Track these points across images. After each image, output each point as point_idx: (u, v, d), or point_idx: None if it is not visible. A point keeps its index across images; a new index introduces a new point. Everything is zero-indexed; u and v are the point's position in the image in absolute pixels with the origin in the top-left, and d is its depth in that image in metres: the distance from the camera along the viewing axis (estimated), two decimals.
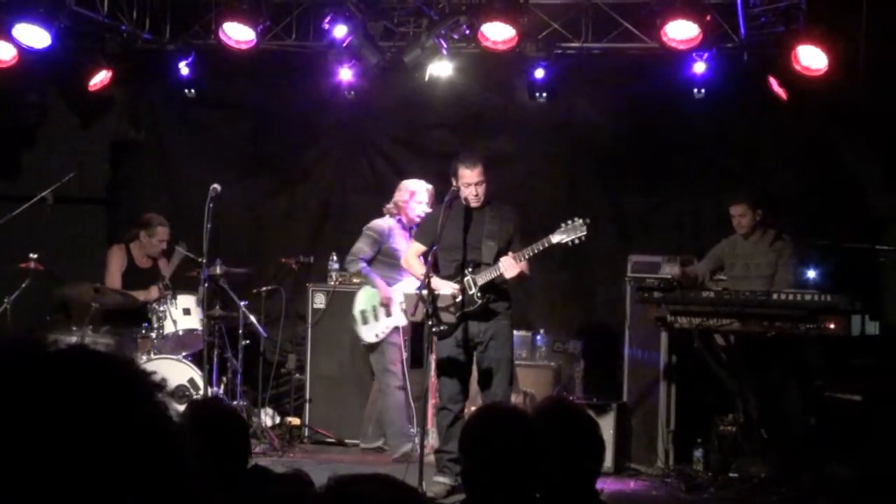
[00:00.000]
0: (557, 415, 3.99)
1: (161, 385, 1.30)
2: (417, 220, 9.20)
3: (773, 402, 8.50)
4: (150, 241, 9.84)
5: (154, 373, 1.32)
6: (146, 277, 9.77)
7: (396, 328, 9.38)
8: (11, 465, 1.11)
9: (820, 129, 9.87)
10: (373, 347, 9.48)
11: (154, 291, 9.49)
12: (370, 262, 9.41)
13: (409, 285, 9.06)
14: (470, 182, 7.86)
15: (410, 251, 8.42)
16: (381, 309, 9.38)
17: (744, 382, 8.53)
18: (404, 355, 9.57)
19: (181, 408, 4.15)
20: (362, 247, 9.40)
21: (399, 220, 9.41)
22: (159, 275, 9.73)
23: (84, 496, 1.12)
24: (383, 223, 9.44)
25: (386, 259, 9.38)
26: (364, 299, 9.53)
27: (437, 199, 8.89)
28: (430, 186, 9.34)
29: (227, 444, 3.89)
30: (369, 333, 9.45)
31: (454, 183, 7.91)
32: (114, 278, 9.71)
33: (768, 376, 8.57)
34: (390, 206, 9.45)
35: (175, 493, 1.20)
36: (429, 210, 9.08)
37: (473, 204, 7.96)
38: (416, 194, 9.30)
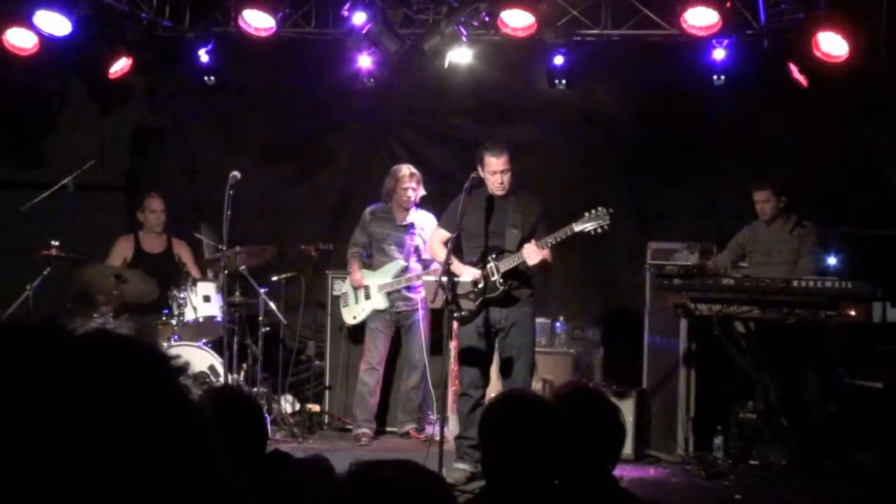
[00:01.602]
0: (580, 399, 3.94)
1: (183, 368, 1.31)
2: (407, 204, 9.43)
3: (793, 390, 8.48)
4: (146, 217, 9.88)
5: (177, 356, 1.33)
6: (157, 262, 9.77)
7: (377, 311, 9.58)
8: (36, 447, 1.12)
9: (840, 115, 9.81)
10: (353, 329, 9.87)
11: None
12: (370, 245, 9.69)
13: (386, 271, 9.41)
14: (496, 170, 7.84)
15: (435, 237, 8.43)
16: (360, 292, 9.61)
17: (764, 369, 8.49)
18: (424, 342, 9.59)
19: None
20: (355, 232, 9.78)
21: (387, 205, 9.61)
22: (171, 260, 9.74)
23: (109, 477, 1.13)
24: (367, 209, 9.75)
25: (375, 242, 9.68)
26: (346, 283, 9.84)
27: (451, 183, 8.91)
28: (415, 171, 9.50)
29: (243, 429, 3.89)
30: (347, 316, 9.81)
31: (479, 170, 7.89)
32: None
33: (788, 363, 8.54)
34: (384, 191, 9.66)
35: (199, 474, 1.21)
36: (413, 193, 9.36)
37: (498, 192, 7.93)
38: (400, 180, 9.44)
